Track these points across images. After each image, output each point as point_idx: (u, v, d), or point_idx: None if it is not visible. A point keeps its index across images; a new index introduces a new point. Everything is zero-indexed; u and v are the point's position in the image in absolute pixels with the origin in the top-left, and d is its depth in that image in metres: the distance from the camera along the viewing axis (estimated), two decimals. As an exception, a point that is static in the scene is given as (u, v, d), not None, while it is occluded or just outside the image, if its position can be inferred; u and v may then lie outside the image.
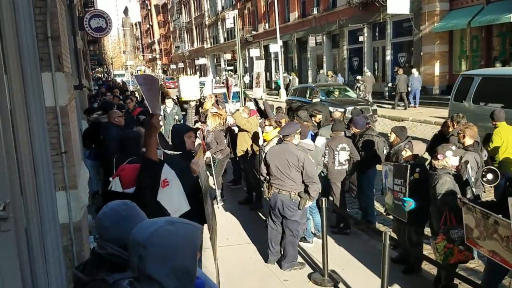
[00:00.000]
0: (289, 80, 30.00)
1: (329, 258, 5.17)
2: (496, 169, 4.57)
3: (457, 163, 4.75)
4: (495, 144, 6.47)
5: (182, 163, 4.14)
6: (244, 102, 12.17)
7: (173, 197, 3.64)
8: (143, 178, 2.89)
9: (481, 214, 3.88)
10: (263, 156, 5.69)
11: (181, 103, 16.31)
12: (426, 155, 6.12)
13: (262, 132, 8.14)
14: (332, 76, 26.98)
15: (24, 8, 2.87)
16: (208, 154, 8.48)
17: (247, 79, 30.58)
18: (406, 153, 5.29)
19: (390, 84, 21.75)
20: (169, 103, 11.81)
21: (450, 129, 6.78)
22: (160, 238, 1.46)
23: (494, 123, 6.80)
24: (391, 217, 6.35)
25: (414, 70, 19.36)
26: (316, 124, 8.51)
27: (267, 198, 5.68)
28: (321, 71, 29.51)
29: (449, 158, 4.67)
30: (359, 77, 22.82)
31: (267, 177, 5.57)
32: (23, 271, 2.47)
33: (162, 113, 10.22)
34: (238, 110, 8.25)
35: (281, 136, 5.55)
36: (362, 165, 6.62)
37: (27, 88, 2.93)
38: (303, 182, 5.31)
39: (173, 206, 3.59)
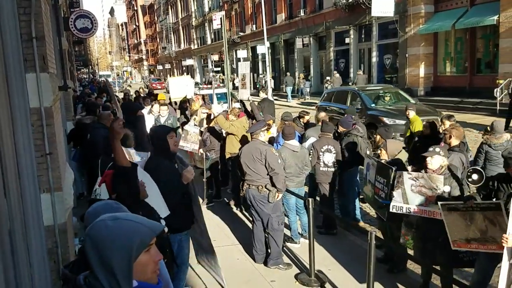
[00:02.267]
0: (265, 81, 30.06)
1: (315, 259, 5.20)
2: (481, 170, 4.64)
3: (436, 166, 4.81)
4: (408, 133, 8.52)
5: (170, 167, 4.11)
6: (231, 104, 12.07)
7: (149, 201, 3.58)
8: (117, 186, 2.82)
9: (465, 208, 3.95)
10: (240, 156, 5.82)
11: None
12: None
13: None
14: (303, 79, 27.57)
15: (8, 8, 2.85)
16: (201, 151, 8.47)
17: (237, 81, 30.56)
18: (381, 153, 5.45)
19: (351, 83, 22.78)
20: (163, 110, 9.95)
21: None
22: (96, 230, 1.53)
23: (408, 115, 8.65)
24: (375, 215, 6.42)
25: (359, 71, 22.75)
26: (302, 125, 8.53)
27: (243, 196, 5.82)
28: (288, 73, 29.89)
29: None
30: (328, 77, 24.67)
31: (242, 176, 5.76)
32: (7, 274, 2.44)
33: (153, 121, 9.44)
34: (225, 111, 8.22)
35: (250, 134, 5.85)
36: (344, 164, 6.68)
37: (11, 89, 2.90)
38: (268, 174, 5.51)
39: None
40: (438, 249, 4.54)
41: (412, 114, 8.46)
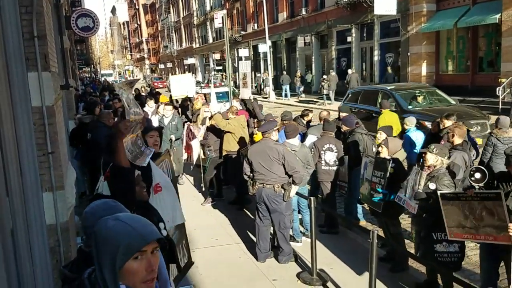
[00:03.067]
0: (262, 80, 29.95)
1: (317, 257, 5.20)
2: (484, 169, 4.66)
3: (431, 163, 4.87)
4: (380, 125, 8.26)
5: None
6: (232, 102, 12.04)
7: (165, 205, 3.51)
8: (114, 185, 2.81)
9: (465, 197, 3.97)
10: (247, 155, 5.79)
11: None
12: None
13: (252, 133, 8.14)
14: (300, 77, 27.80)
15: (10, 7, 2.85)
16: (198, 150, 8.50)
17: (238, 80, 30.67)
18: (382, 150, 5.50)
19: (346, 83, 22.90)
20: (167, 111, 9.24)
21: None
22: (98, 228, 1.55)
23: (381, 110, 9.63)
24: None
25: (349, 70, 23.32)
26: (305, 123, 8.52)
27: (253, 195, 5.76)
28: (284, 72, 29.99)
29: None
30: (324, 76, 24.69)
31: (251, 174, 5.72)
32: (9, 272, 2.45)
33: (157, 123, 8.96)
34: (218, 112, 8.21)
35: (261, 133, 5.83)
36: (350, 163, 6.67)
37: (13, 87, 2.90)
38: (286, 174, 5.50)
39: (165, 215, 3.41)
40: (421, 243, 4.75)
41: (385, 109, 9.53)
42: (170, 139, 8.79)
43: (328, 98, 23.34)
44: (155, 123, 8.90)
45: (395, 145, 5.58)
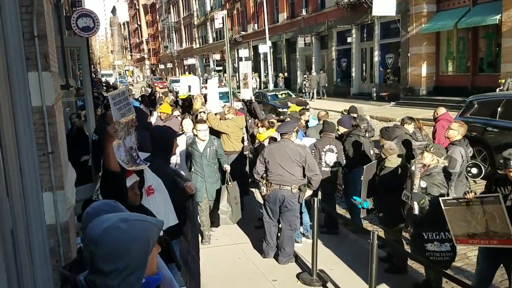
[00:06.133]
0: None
1: (317, 258, 5.20)
2: (480, 164, 4.73)
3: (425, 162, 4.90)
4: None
5: (168, 171, 4.02)
6: (231, 103, 12.01)
7: (158, 207, 3.48)
8: (105, 191, 2.80)
9: (465, 202, 3.97)
10: (262, 154, 5.68)
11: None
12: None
13: (251, 133, 8.13)
14: (282, 78, 28.57)
15: (10, 7, 2.85)
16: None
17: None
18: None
19: (306, 83, 26.37)
20: (202, 131, 6.14)
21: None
22: (110, 236, 1.47)
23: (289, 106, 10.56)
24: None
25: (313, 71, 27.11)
26: (303, 123, 8.51)
27: (266, 195, 5.70)
28: (269, 72, 30.77)
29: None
30: (305, 76, 27.22)
31: (264, 174, 5.66)
32: (9, 273, 2.44)
33: (187, 147, 6.39)
34: (210, 112, 8.15)
35: (279, 134, 5.80)
36: (348, 164, 6.67)
37: (13, 87, 2.90)
38: (303, 175, 5.51)
39: (159, 218, 3.35)
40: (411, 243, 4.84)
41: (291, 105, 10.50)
42: (224, 169, 6.35)
43: (312, 96, 25.27)
44: (183, 145, 6.33)
45: (389, 147, 5.50)
